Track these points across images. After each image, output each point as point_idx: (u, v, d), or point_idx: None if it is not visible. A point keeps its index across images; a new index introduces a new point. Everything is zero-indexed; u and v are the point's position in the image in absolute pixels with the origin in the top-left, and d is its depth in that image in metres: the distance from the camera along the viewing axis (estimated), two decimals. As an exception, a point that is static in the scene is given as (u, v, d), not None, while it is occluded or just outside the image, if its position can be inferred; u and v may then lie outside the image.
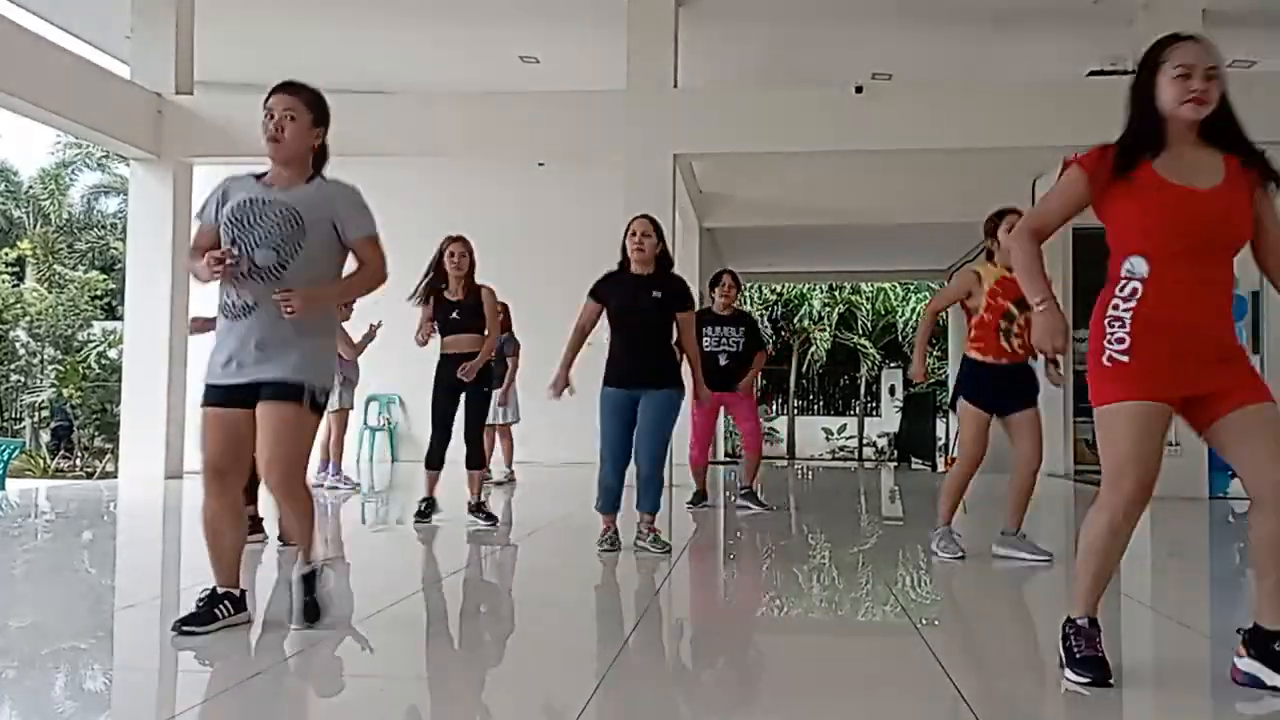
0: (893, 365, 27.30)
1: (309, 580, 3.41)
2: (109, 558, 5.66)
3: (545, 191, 12.85)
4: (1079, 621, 2.85)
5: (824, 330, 26.47)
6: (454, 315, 6.24)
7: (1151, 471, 2.72)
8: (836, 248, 17.55)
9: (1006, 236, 4.91)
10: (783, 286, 26.04)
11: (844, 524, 7.68)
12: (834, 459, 24.67)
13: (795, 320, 26.71)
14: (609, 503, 5.32)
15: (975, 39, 10.64)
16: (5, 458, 7.02)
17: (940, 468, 18.09)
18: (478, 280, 6.37)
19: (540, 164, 12.40)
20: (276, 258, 3.28)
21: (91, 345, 19.14)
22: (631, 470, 5.28)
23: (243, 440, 3.32)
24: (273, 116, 3.36)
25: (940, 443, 19.69)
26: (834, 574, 5.14)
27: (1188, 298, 2.72)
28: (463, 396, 6.28)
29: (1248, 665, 2.77)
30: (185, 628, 3.24)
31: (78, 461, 16.83)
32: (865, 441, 25.90)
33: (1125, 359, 2.73)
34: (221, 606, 3.33)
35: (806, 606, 4.42)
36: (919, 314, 26.97)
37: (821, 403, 28.34)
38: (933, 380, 26.54)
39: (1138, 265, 2.75)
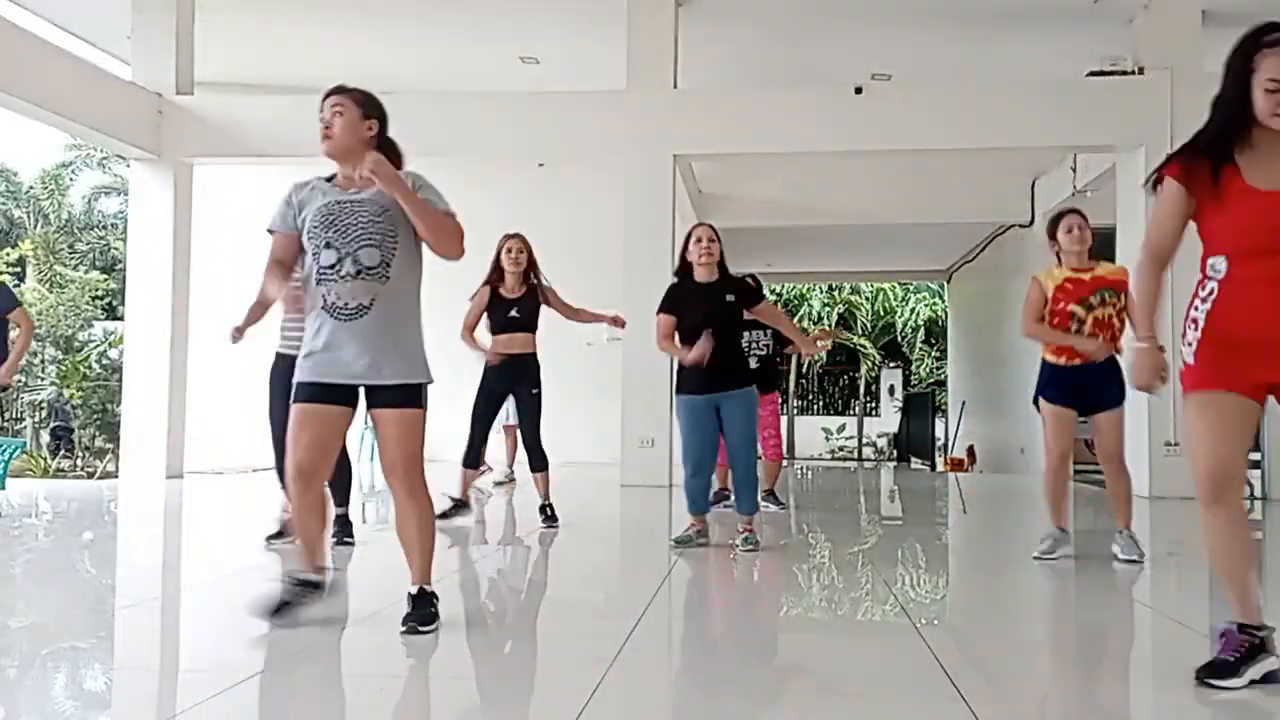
0: (892, 365, 27.32)
1: (424, 596, 3.42)
2: (109, 558, 5.66)
3: (545, 191, 12.85)
4: (1225, 624, 2.85)
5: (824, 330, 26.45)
6: (513, 313, 6.08)
7: (1220, 460, 2.76)
8: (836, 248, 17.55)
9: (1066, 238, 4.92)
10: (783, 286, 26.04)
11: (844, 524, 7.68)
12: (834, 459, 24.67)
13: (795, 320, 26.72)
14: (701, 506, 5.42)
15: (975, 39, 10.63)
16: (5, 458, 7.01)
17: (940, 467, 18.13)
18: (543, 277, 6.25)
19: (540, 164, 12.40)
20: (380, 255, 3.31)
21: (92, 345, 19.12)
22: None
23: (337, 439, 3.40)
24: (321, 116, 3.42)
25: (940, 442, 19.71)
26: (834, 574, 5.14)
27: (1264, 294, 2.75)
28: (510, 399, 6.21)
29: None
30: (270, 619, 3.33)
31: (78, 461, 16.83)
32: (865, 441, 25.90)
33: (1193, 359, 2.82)
34: (303, 592, 3.43)
35: (806, 606, 4.42)
36: (918, 314, 27.05)
37: (821, 403, 28.34)
38: (931, 381, 26.59)
39: (1219, 265, 2.80)
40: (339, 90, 3.48)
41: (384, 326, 3.31)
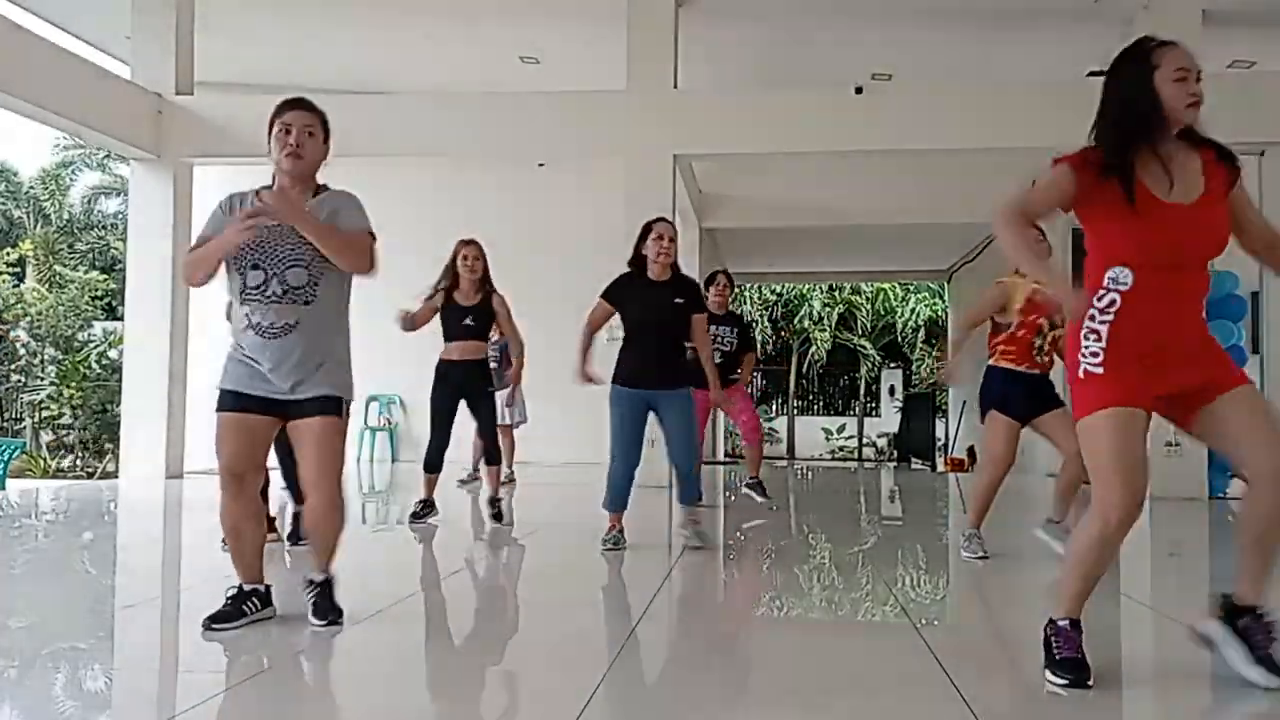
0: (892, 365, 27.31)
1: (328, 585, 3.50)
2: (109, 558, 5.66)
3: (545, 191, 12.85)
4: (1060, 623, 2.86)
5: (824, 330, 26.47)
6: (467, 320, 6.16)
7: (1137, 476, 2.72)
8: (836, 248, 17.55)
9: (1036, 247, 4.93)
10: (783, 286, 26.04)
11: (844, 524, 7.68)
12: (834, 459, 24.67)
13: (795, 320, 26.72)
14: (617, 501, 5.34)
15: (975, 39, 10.64)
16: (5, 458, 7.01)
17: (940, 467, 18.12)
18: (495, 286, 6.31)
19: (540, 164, 12.40)
20: (307, 276, 3.33)
21: (92, 345, 19.14)
22: (641, 470, 5.33)
23: (260, 445, 3.45)
24: (290, 132, 3.38)
25: (940, 443, 19.71)
26: (834, 574, 5.14)
27: (1166, 308, 2.74)
28: (462, 402, 6.26)
29: (1208, 628, 2.86)
30: (214, 625, 3.32)
31: (78, 461, 16.83)
32: (865, 441, 25.90)
33: (1099, 370, 2.75)
34: (249, 603, 3.42)
35: (806, 606, 4.42)
36: (918, 314, 27.03)
37: (821, 403, 28.34)
38: (931, 382, 26.58)
39: (1122, 276, 2.75)
40: (307, 106, 3.46)
41: (307, 345, 3.35)
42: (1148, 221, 2.72)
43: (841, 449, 25.79)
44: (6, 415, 18.79)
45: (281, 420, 3.45)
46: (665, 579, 4.72)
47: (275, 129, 3.41)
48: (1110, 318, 2.75)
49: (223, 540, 5.14)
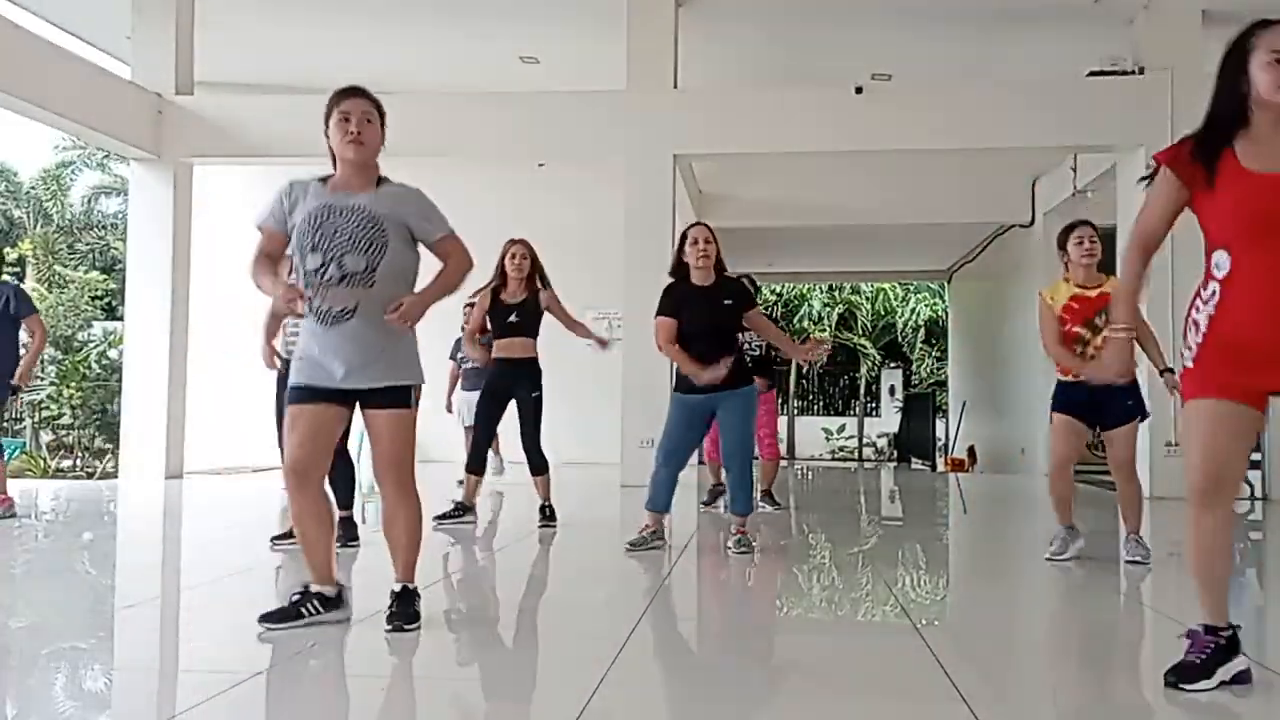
0: (892, 365, 27.32)
1: (406, 595, 3.43)
2: (109, 558, 5.66)
3: (545, 191, 12.85)
4: (1193, 627, 2.85)
5: (824, 330, 26.47)
6: (512, 318, 6.11)
7: (1220, 467, 2.72)
8: (836, 248, 17.56)
9: (1076, 250, 4.89)
10: (783, 286, 26.04)
11: (844, 524, 7.68)
12: (834, 459, 24.67)
13: (795, 320, 26.72)
14: (664, 502, 5.34)
15: (975, 39, 10.63)
16: (5, 458, 7.01)
17: (940, 467, 18.13)
18: (550, 284, 6.28)
19: (540, 164, 12.40)
20: (365, 262, 3.31)
21: (92, 345, 19.13)
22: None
23: (329, 438, 3.41)
24: (350, 120, 3.37)
25: (940, 443, 19.71)
26: (834, 574, 5.14)
27: (1266, 295, 2.66)
28: (513, 404, 6.23)
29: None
30: (269, 623, 3.32)
31: (78, 461, 16.83)
32: (865, 441, 25.90)
33: (1192, 364, 2.76)
34: (310, 605, 3.39)
35: (806, 606, 4.42)
36: (918, 314, 27.05)
37: (821, 403, 28.34)
38: (932, 381, 26.59)
39: (1221, 260, 2.72)
40: (364, 94, 3.46)
41: (368, 331, 3.31)
42: (1239, 193, 2.68)
43: (842, 449, 25.79)
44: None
45: (350, 409, 3.42)
46: (666, 578, 4.72)
47: (334, 118, 3.40)
48: (1211, 309, 2.73)
49: (272, 538, 5.17)
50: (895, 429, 23.37)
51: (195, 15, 10.06)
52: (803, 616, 4.23)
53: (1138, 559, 4.92)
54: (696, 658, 3.50)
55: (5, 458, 6.87)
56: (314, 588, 3.42)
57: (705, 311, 5.16)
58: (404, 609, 3.39)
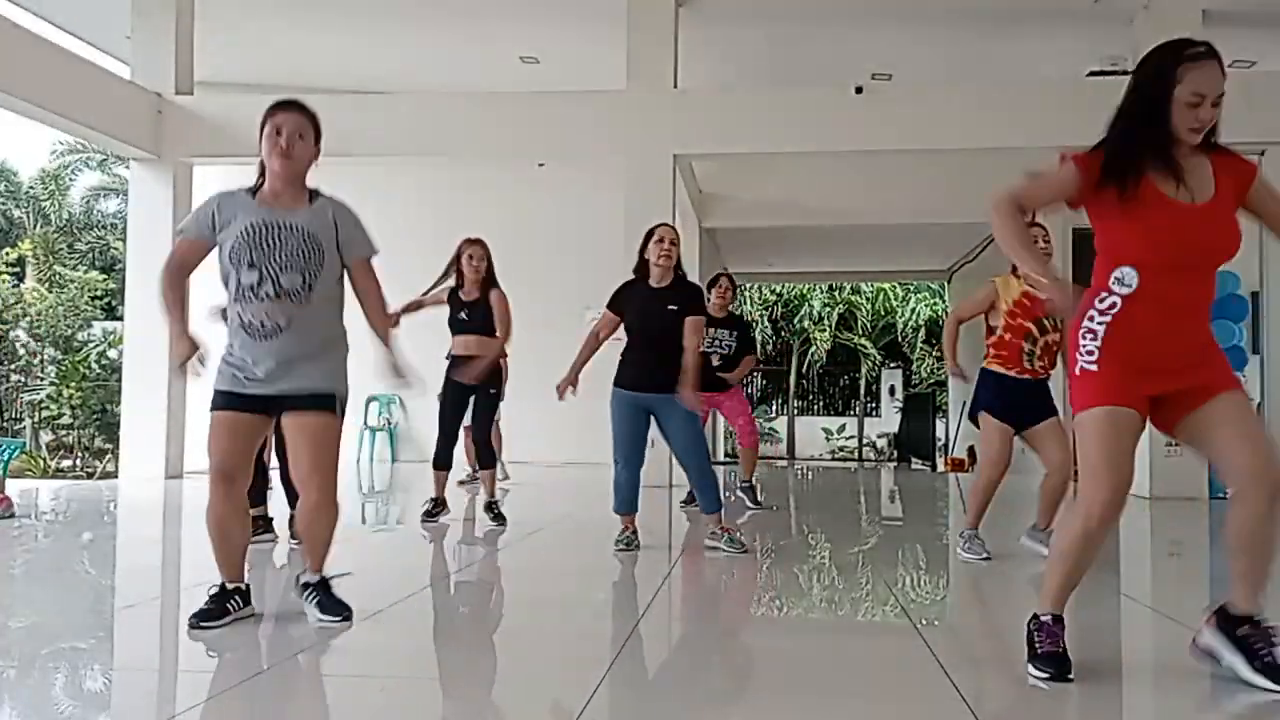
0: (892, 365, 27.31)
1: (325, 583, 3.53)
2: (109, 558, 5.66)
3: (545, 191, 12.85)
4: (1043, 618, 2.91)
5: (824, 330, 26.47)
6: (462, 315, 6.26)
7: (1123, 476, 2.75)
8: (836, 248, 17.54)
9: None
10: (783, 287, 26.03)
11: (844, 524, 7.68)
12: (834, 459, 24.67)
13: (795, 320, 26.71)
14: (626, 503, 5.35)
15: (975, 39, 10.63)
16: (5, 458, 7.01)
17: (940, 467, 18.12)
18: (499, 284, 6.36)
19: (540, 164, 12.40)
20: (302, 280, 3.36)
21: (91, 345, 19.12)
22: (645, 472, 5.35)
23: (252, 444, 3.46)
24: (281, 133, 3.39)
25: (940, 443, 19.71)
26: (834, 574, 5.14)
27: (1166, 315, 2.74)
28: (471, 399, 6.33)
29: (1209, 639, 2.87)
30: (201, 623, 3.34)
31: (78, 461, 16.82)
32: (865, 442, 25.89)
33: (1094, 368, 2.78)
34: (232, 601, 3.44)
35: (806, 606, 4.42)
36: (918, 314, 27.04)
37: (821, 403, 28.34)
38: (932, 381, 26.59)
39: (1129, 276, 2.75)
40: (299, 108, 3.46)
41: (297, 345, 3.37)
42: (1154, 218, 2.72)
43: (842, 449, 25.79)
44: (6, 415, 18.79)
45: (272, 419, 3.47)
46: (665, 579, 4.72)
47: (266, 129, 3.42)
48: (1108, 320, 2.77)
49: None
50: (895, 429, 23.37)
51: (195, 15, 10.06)
52: (802, 617, 4.23)
53: (985, 556, 5.00)
54: (696, 658, 3.50)
55: (5, 458, 6.86)
56: (230, 585, 3.46)
57: (648, 314, 5.20)
58: (332, 597, 3.48)
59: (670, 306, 5.19)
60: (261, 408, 3.41)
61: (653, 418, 5.27)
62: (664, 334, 5.17)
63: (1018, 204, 2.86)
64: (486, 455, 6.43)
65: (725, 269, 6.94)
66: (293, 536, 5.17)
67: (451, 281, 6.32)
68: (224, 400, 3.40)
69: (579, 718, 2.53)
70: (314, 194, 3.52)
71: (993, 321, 5.07)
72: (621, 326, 5.33)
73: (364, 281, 3.55)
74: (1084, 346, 2.80)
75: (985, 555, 5.08)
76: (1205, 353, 2.84)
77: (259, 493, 5.31)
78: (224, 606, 3.40)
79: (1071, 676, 2.80)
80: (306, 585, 3.52)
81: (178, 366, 3.39)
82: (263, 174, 3.48)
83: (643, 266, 5.31)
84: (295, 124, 3.41)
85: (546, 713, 2.74)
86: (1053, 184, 2.86)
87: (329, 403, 3.43)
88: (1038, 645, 2.88)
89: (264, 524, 5.31)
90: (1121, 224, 2.77)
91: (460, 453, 6.72)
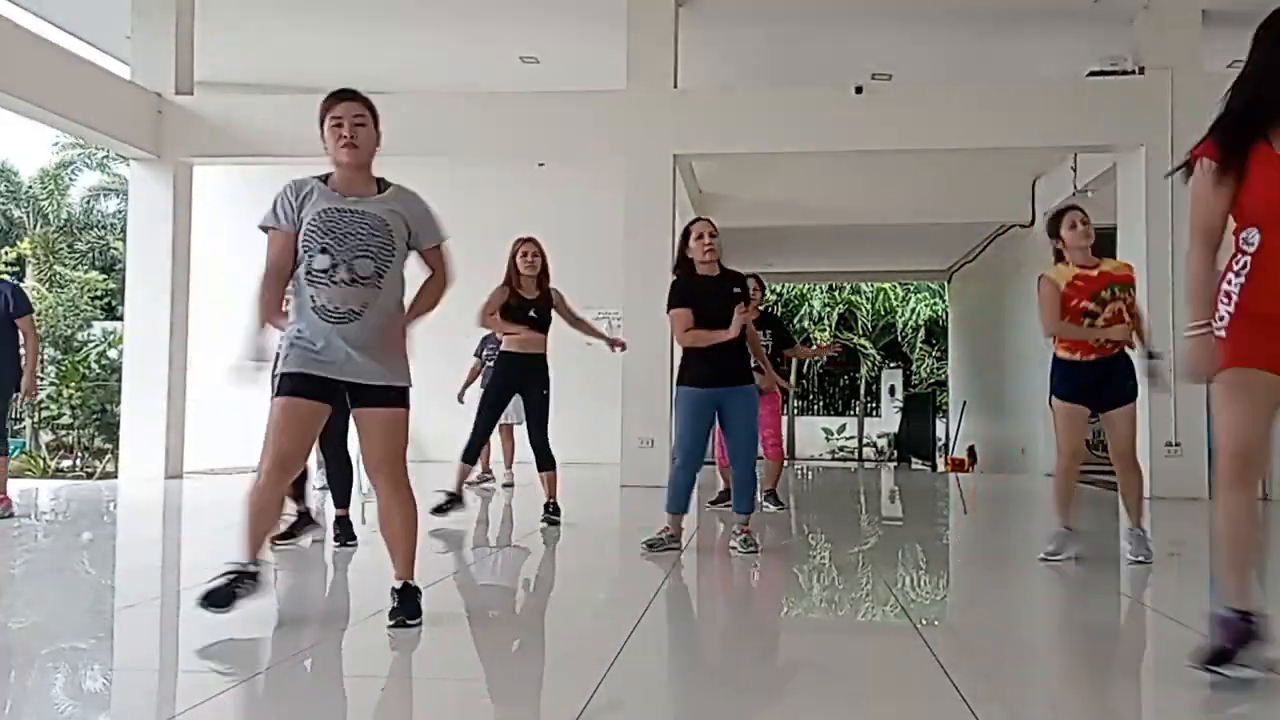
0: (892, 365, 27.32)
1: (408, 591, 3.46)
2: (109, 558, 5.66)
3: (545, 191, 12.85)
4: (1219, 611, 2.83)
5: (824, 330, 26.47)
6: (531, 314, 6.17)
7: (1247, 439, 2.73)
8: (836, 248, 17.56)
9: (1071, 234, 4.87)
10: (783, 287, 26.03)
11: (844, 524, 7.68)
12: (834, 459, 24.67)
13: (795, 320, 26.72)
14: (682, 503, 5.31)
15: (975, 39, 10.63)
16: (7, 457, 7.01)
17: (940, 467, 18.13)
18: (550, 283, 6.34)
19: (540, 164, 12.40)
20: (374, 266, 3.38)
21: (91, 345, 19.14)
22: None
23: (315, 433, 3.46)
24: (343, 124, 3.42)
25: (940, 443, 19.71)
26: (834, 574, 5.14)
27: None
28: (520, 398, 6.29)
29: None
30: (209, 604, 3.30)
31: (78, 461, 16.83)
32: (865, 441, 25.90)
33: (1223, 333, 2.78)
34: (243, 585, 3.38)
35: (807, 607, 4.42)
36: (918, 314, 27.06)
37: (821, 403, 28.34)
38: (932, 381, 26.60)
39: (1251, 237, 2.78)
40: (356, 97, 3.49)
41: (372, 331, 3.38)
42: (1269, 177, 2.73)
43: (842, 449, 25.80)
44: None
45: (333, 407, 3.44)
46: (666, 579, 4.72)
47: (327, 123, 3.45)
48: (1242, 280, 2.78)
49: (272, 538, 5.19)
50: (895, 429, 23.37)
51: (195, 15, 10.06)
52: (803, 617, 4.23)
53: (1140, 558, 4.88)
54: (697, 657, 3.50)
55: (7, 457, 6.85)
56: (251, 566, 3.41)
57: (717, 301, 5.16)
58: (406, 605, 3.40)
59: (735, 290, 5.20)
60: (329, 393, 3.39)
61: (717, 413, 5.23)
62: (730, 323, 5.11)
63: (1207, 240, 2.83)
64: (546, 458, 6.29)
65: (753, 273, 6.93)
66: (338, 539, 5.20)
67: (507, 289, 6.21)
68: (294, 384, 3.35)
69: (579, 718, 2.53)
70: (382, 182, 3.54)
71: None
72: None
73: (436, 264, 3.58)
74: (1220, 312, 2.81)
75: (1068, 556, 4.94)
76: None
77: (344, 494, 5.37)
78: (233, 590, 3.35)
79: (1224, 671, 2.72)
80: (392, 591, 3.45)
81: (240, 365, 3.35)
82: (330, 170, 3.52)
83: (685, 264, 5.28)
84: (354, 112, 3.45)
85: (547, 712, 2.74)
86: (1206, 188, 2.82)
87: (401, 397, 3.45)
88: (1210, 637, 2.81)
89: (345, 528, 5.32)
90: (1245, 192, 2.78)
91: (499, 454, 6.62)
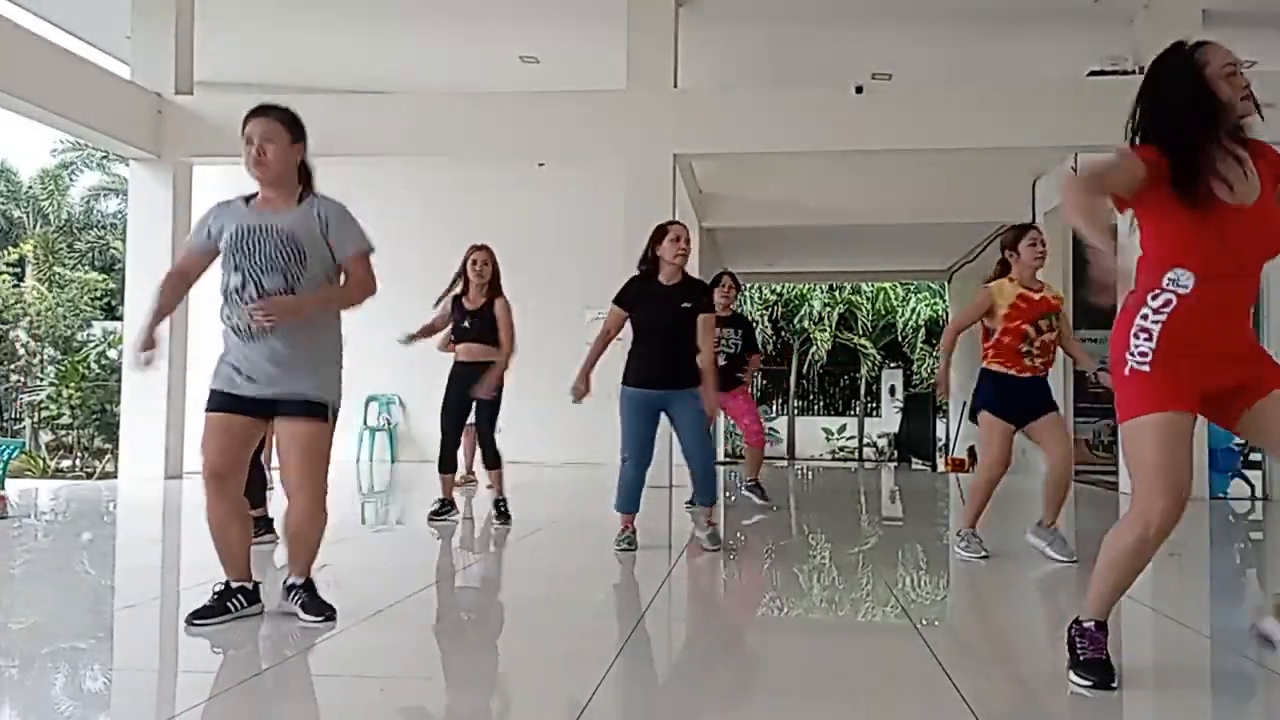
0: (893, 365, 27.30)
1: (311, 586, 3.54)
2: (109, 558, 5.66)
3: (545, 191, 12.85)
4: (1086, 624, 2.84)
5: (824, 330, 26.47)
6: (465, 324, 6.28)
7: (1182, 482, 2.68)
8: (836, 248, 17.55)
9: (1029, 251, 4.99)
10: (783, 287, 26.02)
11: (844, 524, 7.68)
12: (834, 459, 24.65)
13: (795, 320, 26.70)
14: (630, 501, 5.33)
15: (975, 39, 10.63)
16: (5, 458, 7.01)
17: (940, 467, 18.12)
18: (504, 293, 6.36)
19: (540, 164, 12.40)
20: (284, 282, 3.38)
21: (91, 345, 19.11)
22: (652, 473, 5.35)
23: (243, 445, 3.47)
24: (252, 143, 3.43)
25: (940, 443, 19.69)
26: (834, 574, 5.14)
27: (1222, 310, 2.69)
28: (474, 403, 6.35)
29: (1269, 626, 2.76)
30: (197, 620, 3.36)
31: (78, 461, 16.82)
32: (865, 442, 25.88)
33: (1146, 369, 2.68)
34: (235, 600, 3.45)
35: (806, 606, 4.42)
36: (918, 314, 27.03)
37: (822, 403, 28.33)
38: (932, 381, 26.56)
39: (1183, 278, 2.67)
40: (265, 113, 3.47)
41: (286, 347, 3.38)
42: (1213, 226, 2.63)
43: (842, 449, 25.77)
44: (6, 415, 18.78)
45: (267, 421, 3.48)
46: (666, 578, 4.72)
47: (243, 140, 3.46)
48: (1163, 318, 2.68)
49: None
50: (895, 429, 23.35)
51: (195, 15, 10.05)
52: (803, 617, 4.23)
53: (1064, 558, 4.97)
54: (696, 658, 3.50)
55: (5, 458, 6.86)
56: (234, 584, 3.48)
57: (662, 311, 5.17)
58: (316, 598, 3.49)
59: (684, 304, 5.19)
60: (255, 410, 3.42)
61: (662, 414, 5.25)
62: (677, 332, 5.15)
63: (1100, 181, 2.74)
64: (492, 456, 6.42)
65: (726, 269, 6.95)
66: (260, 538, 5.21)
67: (458, 289, 6.31)
68: (218, 401, 3.42)
69: (579, 717, 2.52)
70: (305, 194, 3.52)
71: (989, 324, 5.10)
72: (628, 323, 5.30)
73: (354, 273, 3.52)
74: (1135, 347, 2.70)
75: (983, 554, 5.08)
76: (1254, 349, 2.79)
77: (259, 493, 5.34)
78: (224, 605, 3.41)
79: (1115, 685, 2.73)
80: (291, 587, 3.52)
81: (131, 357, 3.46)
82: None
83: (653, 263, 5.27)
84: (264, 130, 3.43)
85: (547, 712, 2.74)
86: (1130, 169, 2.72)
87: (320, 411, 3.43)
88: (1080, 652, 2.81)
89: (265, 525, 5.32)
90: (1180, 227, 2.68)
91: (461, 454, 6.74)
